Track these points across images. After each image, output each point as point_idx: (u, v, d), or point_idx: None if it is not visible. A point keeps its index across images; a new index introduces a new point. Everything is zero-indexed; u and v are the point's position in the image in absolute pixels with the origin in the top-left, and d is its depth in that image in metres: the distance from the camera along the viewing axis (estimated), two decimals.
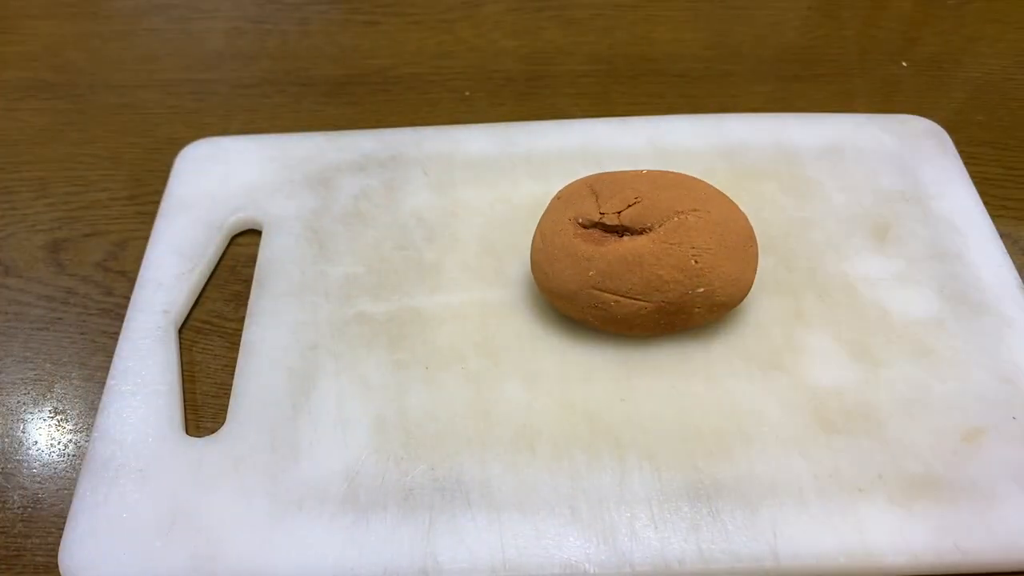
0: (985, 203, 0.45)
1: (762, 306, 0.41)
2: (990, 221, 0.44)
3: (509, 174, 0.47)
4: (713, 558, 0.33)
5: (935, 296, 0.41)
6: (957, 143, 0.48)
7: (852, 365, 0.39)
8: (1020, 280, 0.42)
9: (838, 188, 0.46)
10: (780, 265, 0.42)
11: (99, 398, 0.39)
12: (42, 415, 0.40)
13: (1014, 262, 0.43)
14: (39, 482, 0.38)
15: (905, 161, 0.47)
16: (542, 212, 0.41)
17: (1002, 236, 0.44)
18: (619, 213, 0.37)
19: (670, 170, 0.41)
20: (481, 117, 0.52)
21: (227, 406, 0.38)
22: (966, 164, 0.47)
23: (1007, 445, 0.36)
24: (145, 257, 0.44)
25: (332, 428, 0.37)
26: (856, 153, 0.48)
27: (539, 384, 0.39)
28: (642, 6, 0.61)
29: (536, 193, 0.45)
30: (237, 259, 0.45)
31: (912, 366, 0.39)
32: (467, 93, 0.55)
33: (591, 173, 0.42)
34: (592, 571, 0.33)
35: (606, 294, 0.37)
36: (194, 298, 0.43)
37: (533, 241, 0.40)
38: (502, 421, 0.37)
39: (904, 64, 0.56)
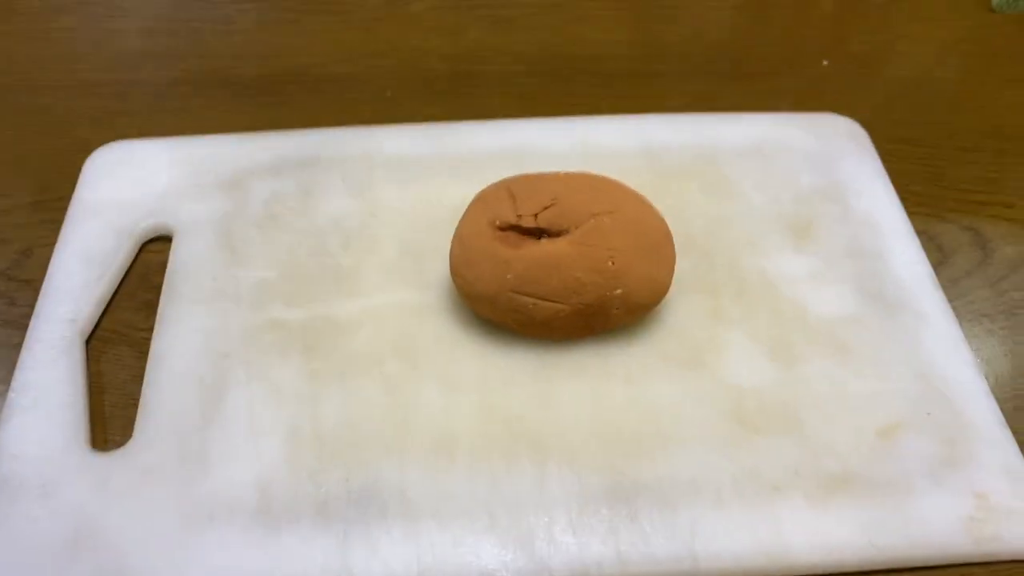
0: (903, 200, 0.46)
1: (682, 306, 0.41)
2: (907, 218, 0.45)
3: (432, 175, 0.46)
4: (631, 561, 0.33)
5: (853, 294, 0.42)
6: (877, 141, 0.49)
7: (770, 364, 0.39)
8: (935, 277, 0.42)
9: (758, 187, 0.46)
10: (700, 264, 0.42)
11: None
12: None
13: (929, 259, 0.43)
14: None
15: (825, 160, 0.48)
16: None
17: (918, 233, 0.44)
18: (536, 215, 0.37)
19: (592, 171, 0.40)
20: (406, 117, 0.51)
21: (135, 418, 0.37)
22: (885, 161, 0.48)
23: (922, 440, 0.37)
24: (51, 264, 0.42)
25: (243, 439, 0.36)
26: (776, 152, 0.48)
27: (458, 389, 0.38)
28: (570, 6, 0.61)
29: (459, 194, 0.44)
30: (148, 267, 0.43)
31: (830, 363, 0.39)
32: (389, 93, 0.54)
33: (516, 174, 0.41)
34: None
35: (524, 297, 0.37)
36: (102, 307, 0.41)
37: (452, 243, 0.39)
38: (420, 427, 0.37)
39: (825, 63, 0.57)
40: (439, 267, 0.42)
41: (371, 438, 0.36)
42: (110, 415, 0.38)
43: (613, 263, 0.36)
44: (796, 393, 0.38)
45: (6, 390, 0.38)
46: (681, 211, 0.44)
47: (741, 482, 0.35)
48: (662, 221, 0.38)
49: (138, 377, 0.39)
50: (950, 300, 0.42)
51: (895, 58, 0.58)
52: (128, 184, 0.46)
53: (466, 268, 0.38)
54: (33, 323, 0.40)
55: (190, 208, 0.45)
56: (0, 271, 0.44)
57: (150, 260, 0.44)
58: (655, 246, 0.37)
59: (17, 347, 0.40)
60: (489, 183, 0.41)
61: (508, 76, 0.56)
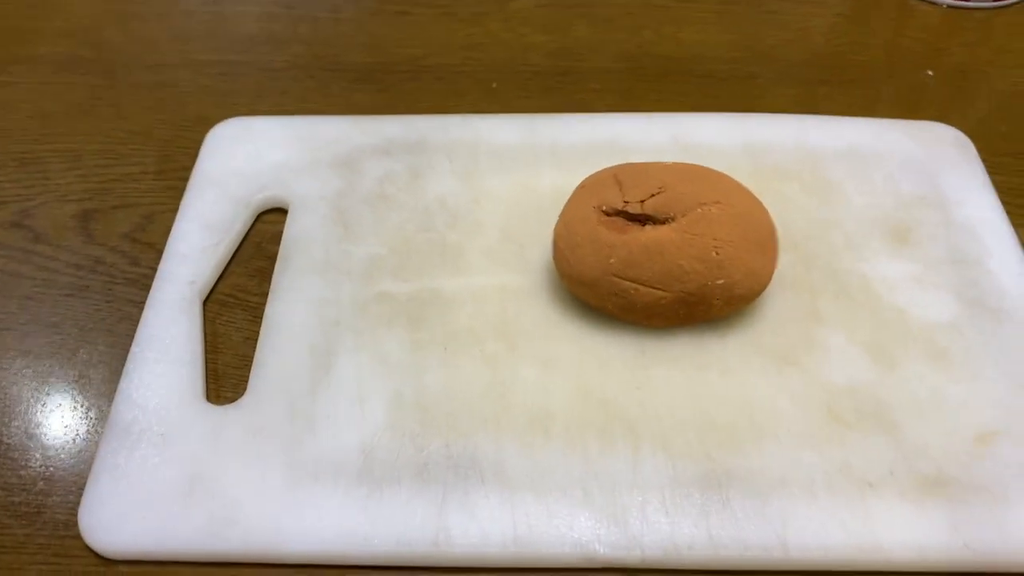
0: (1007, 212, 0.45)
1: (780, 302, 0.41)
2: (1012, 230, 0.44)
3: (533, 164, 0.48)
4: (722, 544, 0.34)
5: (953, 300, 0.42)
6: (980, 152, 0.49)
7: (867, 364, 0.39)
8: None
9: (859, 191, 0.46)
10: (799, 263, 0.43)
11: (123, 365, 0.40)
12: (67, 379, 0.41)
13: None
14: (61, 443, 0.39)
15: (927, 167, 0.47)
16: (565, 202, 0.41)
17: None
18: (642, 202, 0.38)
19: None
20: (507, 109, 0.53)
21: (248, 377, 0.39)
22: (989, 173, 0.47)
23: (1020, 448, 0.37)
24: (173, 229, 0.45)
25: (350, 403, 0.38)
26: (878, 157, 0.48)
27: (555, 369, 0.39)
28: (671, 7, 0.61)
29: (559, 184, 0.45)
30: (263, 236, 0.46)
31: (927, 368, 0.39)
32: (494, 85, 0.55)
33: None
34: (602, 552, 0.34)
35: (626, 282, 0.38)
36: (219, 272, 0.44)
37: (556, 227, 0.40)
38: (517, 403, 0.38)
39: (930, 73, 0.56)
40: (539, 253, 0.43)
41: (470, 410, 0.38)
42: (223, 373, 0.40)
43: (717, 253, 0.37)
44: (893, 394, 0.38)
45: (129, 343, 0.40)
46: (782, 210, 0.44)
47: (833, 477, 0.36)
48: (767, 216, 0.39)
49: (250, 339, 0.41)
50: None
51: (998, 72, 0.57)
52: (246, 158, 0.48)
53: (570, 251, 0.39)
54: (156, 283, 0.42)
55: (305, 183, 0.47)
56: (125, 233, 0.46)
57: (265, 230, 0.46)
58: (759, 239, 0.38)
59: (139, 304, 0.42)
60: (589, 174, 0.42)
61: (607, 73, 0.57)
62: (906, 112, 0.53)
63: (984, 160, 0.48)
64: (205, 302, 0.43)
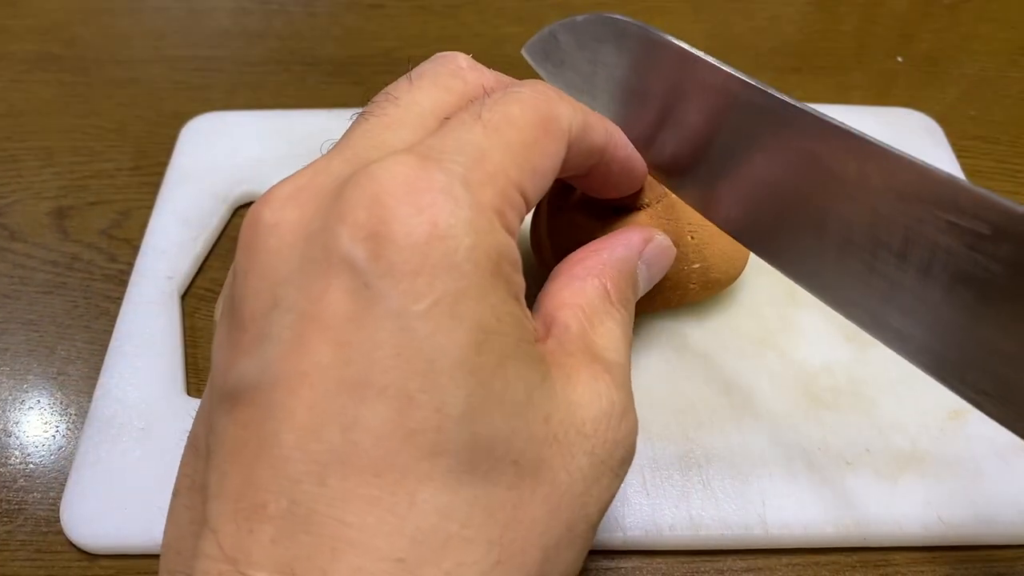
0: None
1: (756, 286, 0.42)
2: None
3: None
4: (703, 524, 0.34)
5: None
6: (950, 137, 0.49)
7: (843, 345, 0.40)
8: None
9: None
10: None
11: (101, 361, 0.40)
12: (45, 376, 0.41)
13: None
14: (41, 440, 0.38)
15: None
16: None
17: None
18: None
19: None
20: None
21: None
22: (958, 157, 0.48)
23: (991, 424, 0.37)
24: (149, 225, 0.44)
25: None
26: None
27: None
28: None
29: None
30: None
31: None
32: None
33: None
34: None
35: None
36: (197, 266, 0.44)
37: (532, 215, 0.41)
38: None
39: (899, 60, 0.57)
40: (518, 241, 0.43)
41: None
42: (204, 367, 0.40)
43: (692, 237, 0.37)
44: (868, 374, 0.39)
45: (107, 339, 0.40)
46: None
47: (812, 455, 0.36)
48: None
49: None
50: None
51: (966, 57, 0.58)
52: (223, 152, 0.48)
53: (547, 239, 0.39)
54: (133, 279, 0.42)
55: (282, 177, 0.46)
56: (101, 230, 0.46)
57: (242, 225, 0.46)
58: None
59: (116, 300, 0.42)
60: None
61: None
62: (877, 98, 0.54)
63: (953, 144, 0.49)
64: (183, 297, 0.42)
